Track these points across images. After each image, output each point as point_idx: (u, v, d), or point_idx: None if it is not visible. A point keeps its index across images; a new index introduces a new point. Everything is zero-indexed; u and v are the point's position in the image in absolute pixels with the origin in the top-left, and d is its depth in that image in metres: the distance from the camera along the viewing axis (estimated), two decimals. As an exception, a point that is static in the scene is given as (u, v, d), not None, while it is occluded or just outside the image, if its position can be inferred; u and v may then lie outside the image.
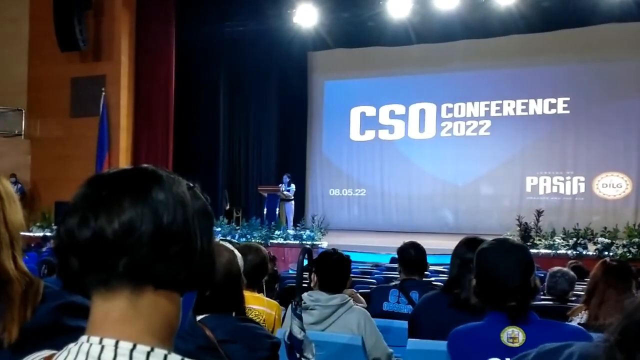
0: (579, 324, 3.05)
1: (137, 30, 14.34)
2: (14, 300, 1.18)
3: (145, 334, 0.84)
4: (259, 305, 3.20)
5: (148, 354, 0.82)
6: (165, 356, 0.83)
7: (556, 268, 4.42)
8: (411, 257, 3.93)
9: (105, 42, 14.02)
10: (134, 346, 0.82)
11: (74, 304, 1.19)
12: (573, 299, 4.19)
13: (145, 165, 0.91)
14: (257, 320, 3.05)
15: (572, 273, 4.38)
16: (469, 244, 2.90)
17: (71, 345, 0.86)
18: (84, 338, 0.85)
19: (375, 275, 6.88)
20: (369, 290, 4.46)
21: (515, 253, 2.03)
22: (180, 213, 0.86)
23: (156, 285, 0.85)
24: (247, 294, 2.83)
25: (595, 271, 3.31)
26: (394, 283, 4.13)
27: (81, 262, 0.84)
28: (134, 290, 0.84)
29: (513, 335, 1.93)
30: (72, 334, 0.88)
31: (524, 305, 1.98)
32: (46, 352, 0.91)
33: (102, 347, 0.82)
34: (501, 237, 2.23)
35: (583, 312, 3.24)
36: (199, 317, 1.93)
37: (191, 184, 0.92)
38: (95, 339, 0.83)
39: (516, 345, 1.91)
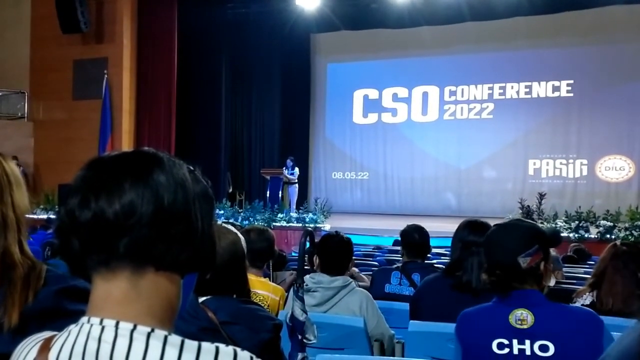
0: (582, 305, 3.05)
1: (139, 12, 14.26)
2: (16, 285, 1.19)
3: (146, 315, 0.85)
4: (264, 290, 3.24)
5: (148, 334, 0.83)
6: (166, 337, 0.83)
7: None
8: (415, 240, 3.93)
9: (107, 24, 13.95)
10: (135, 327, 0.83)
11: (75, 287, 1.20)
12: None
13: (146, 148, 0.91)
14: (262, 304, 3.08)
15: (553, 253, 4.37)
16: (471, 227, 2.90)
17: (72, 326, 0.87)
18: (84, 319, 0.86)
19: (378, 258, 6.90)
20: (371, 273, 4.47)
21: (516, 230, 2.01)
22: (180, 195, 0.86)
23: (157, 266, 0.86)
24: (252, 278, 2.89)
25: (604, 254, 3.28)
26: (396, 265, 4.14)
27: (82, 242, 0.84)
28: (135, 271, 0.85)
29: (522, 317, 1.92)
30: (73, 318, 0.88)
31: (508, 279, 1.96)
32: (47, 334, 0.91)
33: (103, 328, 0.83)
34: (514, 218, 2.21)
35: (587, 294, 3.23)
36: (201, 299, 1.94)
37: (192, 167, 0.93)
38: (95, 320, 0.84)
39: (525, 326, 1.91)
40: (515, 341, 1.91)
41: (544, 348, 1.88)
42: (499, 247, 1.98)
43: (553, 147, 15.07)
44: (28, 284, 1.20)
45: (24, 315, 1.16)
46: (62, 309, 1.18)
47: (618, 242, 3.36)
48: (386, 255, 7.34)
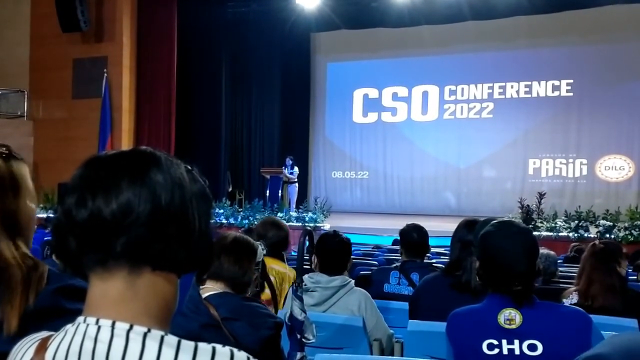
0: (570, 304, 3.08)
1: (139, 11, 14.26)
2: (13, 288, 1.16)
3: (142, 314, 0.85)
4: (280, 267, 3.64)
5: (145, 335, 0.82)
6: (162, 337, 0.83)
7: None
8: (414, 239, 3.94)
9: (107, 23, 13.95)
10: (131, 327, 0.83)
11: (73, 286, 1.19)
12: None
13: (144, 147, 0.91)
14: (275, 279, 3.47)
15: (552, 253, 4.42)
16: (470, 226, 2.90)
17: (68, 326, 0.86)
18: (80, 319, 0.86)
19: (377, 257, 6.89)
20: (370, 272, 4.47)
21: (522, 237, 2.00)
22: (178, 194, 0.86)
23: (154, 266, 0.85)
24: (269, 260, 3.40)
25: (585, 253, 3.35)
26: (394, 265, 4.14)
27: (79, 242, 0.84)
28: (132, 271, 0.85)
29: (510, 317, 1.92)
30: (71, 317, 0.88)
31: (530, 289, 1.97)
32: (44, 334, 0.91)
33: (99, 328, 0.83)
34: (504, 219, 2.18)
35: (573, 294, 3.26)
36: (204, 295, 1.95)
37: (189, 167, 0.93)
38: (92, 320, 0.84)
39: (513, 326, 1.91)
40: (504, 341, 1.91)
41: (532, 347, 1.89)
42: (516, 256, 1.95)
43: (553, 146, 15.05)
44: (29, 285, 1.18)
45: (23, 315, 1.14)
46: (60, 308, 1.16)
47: (597, 241, 3.40)
48: (385, 254, 7.33)
